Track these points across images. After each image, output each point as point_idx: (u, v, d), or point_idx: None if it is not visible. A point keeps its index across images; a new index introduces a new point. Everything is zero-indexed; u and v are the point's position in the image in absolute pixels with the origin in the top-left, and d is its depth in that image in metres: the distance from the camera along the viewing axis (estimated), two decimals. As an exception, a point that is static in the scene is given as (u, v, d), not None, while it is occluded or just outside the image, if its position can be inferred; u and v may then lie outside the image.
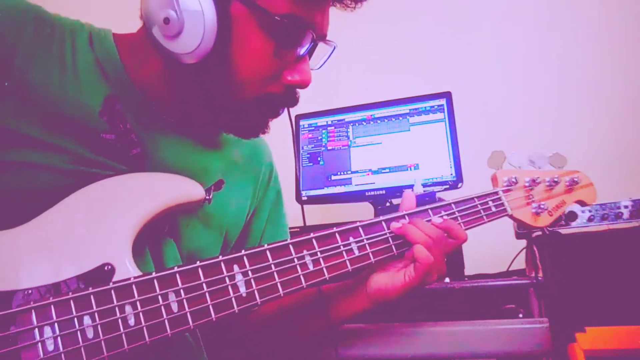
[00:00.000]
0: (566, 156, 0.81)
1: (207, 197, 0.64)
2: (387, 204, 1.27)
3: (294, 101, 0.66)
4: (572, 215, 0.94)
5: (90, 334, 0.47)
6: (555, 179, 0.78)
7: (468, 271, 1.05)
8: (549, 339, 0.74)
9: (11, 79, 0.55)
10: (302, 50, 0.61)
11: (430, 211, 0.70)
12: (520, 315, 0.88)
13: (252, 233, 0.80)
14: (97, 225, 0.55)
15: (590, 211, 0.94)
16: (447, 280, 0.98)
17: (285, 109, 0.67)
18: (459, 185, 1.23)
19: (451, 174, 1.25)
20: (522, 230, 0.95)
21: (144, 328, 0.49)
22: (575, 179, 0.79)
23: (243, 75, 0.60)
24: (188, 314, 0.52)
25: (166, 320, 0.50)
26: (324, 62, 0.69)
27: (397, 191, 1.27)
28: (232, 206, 0.74)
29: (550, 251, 0.85)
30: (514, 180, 0.77)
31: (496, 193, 0.76)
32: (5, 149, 0.54)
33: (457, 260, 1.03)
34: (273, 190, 0.84)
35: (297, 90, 0.65)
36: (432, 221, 0.68)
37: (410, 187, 1.21)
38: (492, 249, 1.25)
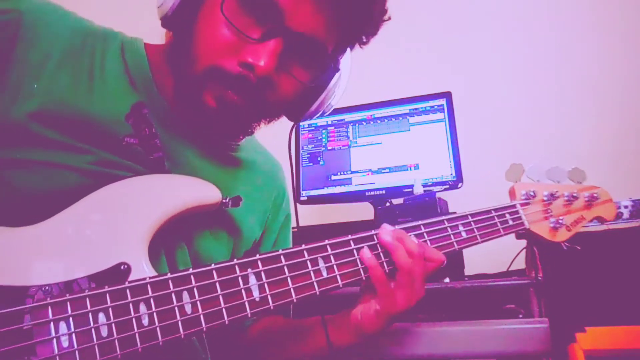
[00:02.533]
0: (568, 157, 0.81)
1: (225, 200, 0.64)
2: (387, 204, 1.27)
3: (245, 88, 0.58)
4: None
5: (104, 332, 0.47)
6: (575, 194, 0.77)
7: (468, 271, 1.05)
8: (549, 339, 0.73)
9: (41, 82, 0.56)
10: (263, 32, 0.57)
11: (446, 221, 0.69)
12: (520, 315, 0.88)
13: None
14: (114, 225, 0.55)
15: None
16: (447, 280, 0.98)
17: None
18: (459, 185, 1.23)
19: (451, 174, 1.25)
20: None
21: (158, 328, 0.49)
22: (595, 195, 0.78)
23: (201, 37, 0.59)
24: (201, 316, 0.52)
25: (179, 322, 0.50)
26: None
27: (397, 191, 1.27)
28: (245, 225, 0.74)
29: (550, 251, 0.85)
30: (532, 193, 0.76)
31: (514, 206, 0.75)
32: (29, 148, 0.55)
33: (457, 260, 1.03)
34: (283, 214, 0.84)
35: (262, 77, 0.58)
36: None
37: (411, 187, 1.21)
38: (492, 249, 1.25)
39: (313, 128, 1.41)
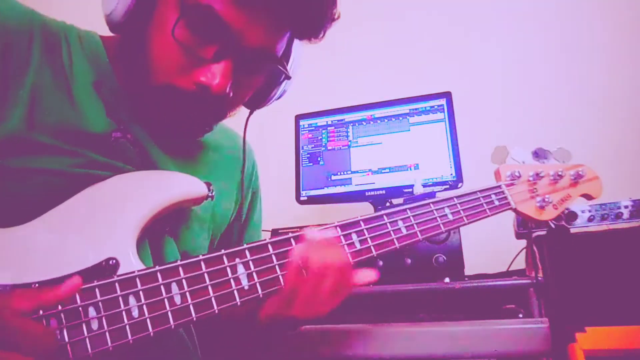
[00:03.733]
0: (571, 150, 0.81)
1: (210, 194, 0.65)
2: (387, 204, 1.27)
3: (207, 106, 0.60)
4: (572, 215, 0.93)
5: (95, 325, 0.48)
6: (560, 173, 0.78)
7: (468, 271, 1.05)
8: (549, 339, 0.74)
9: (25, 88, 0.56)
10: (215, 51, 0.57)
11: (431, 204, 0.70)
12: (520, 315, 0.88)
13: (233, 234, 0.81)
14: (103, 221, 0.56)
15: (590, 211, 0.94)
16: (447, 280, 0.98)
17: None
18: (459, 185, 1.23)
19: (451, 174, 1.24)
20: (523, 230, 0.95)
21: (148, 320, 0.50)
22: (581, 173, 0.79)
23: (154, 56, 0.59)
24: (191, 306, 0.52)
25: (169, 312, 0.51)
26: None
27: (397, 191, 1.27)
28: (219, 207, 0.75)
29: (550, 251, 0.85)
30: (517, 174, 0.77)
31: (499, 187, 0.76)
32: (18, 156, 0.54)
33: (457, 260, 1.03)
34: (250, 191, 0.85)
35: (217, 95, 0.58)
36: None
37: (410, 187, 1.21)
38: (492, 249, 1.25)
39: (313, 128, 1.41)
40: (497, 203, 0.74)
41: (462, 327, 0.78)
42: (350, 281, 0.61)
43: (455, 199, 0.72)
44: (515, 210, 0.76)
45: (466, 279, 1.02)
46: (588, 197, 0.81)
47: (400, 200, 1.17)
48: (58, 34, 0.62)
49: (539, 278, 0.86)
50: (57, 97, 0.58)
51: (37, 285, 0.49)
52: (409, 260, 1.05)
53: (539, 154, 0.81)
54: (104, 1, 0.59)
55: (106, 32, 0.67)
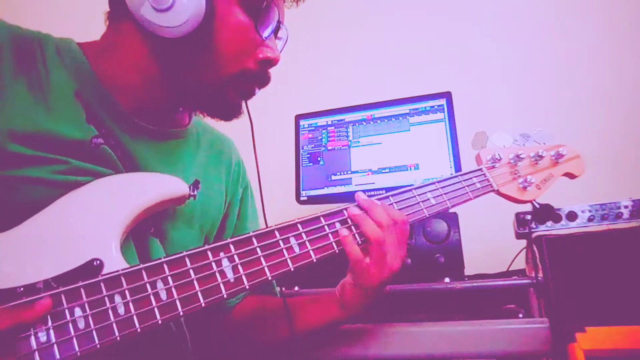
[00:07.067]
0: (554, 133, 0.82)
1: (192, 194, 0.66)
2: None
3: (266, 80, 0.69)
4: (572, 215, 0.94)
5: (81, 324, 0.48)
6: (540, 153, 0.79)
7: (468, 271, 1.05)
8: (549, 339, 0.74)
9: (0, 99, 0.55)
10: (271, 29, 0.65)
11: (414, 191, 0.72)
12: (520, 315, 0.88)
13: (226, 230, 0.82)
14: (85, 224, 0.56)
15: (590, 211, 0.94)
16: (447, 280, 0.98)
17: (257, 92, 0.71)
18: (459, 185, 1.22)
19: (451, 174, 1.24)
20: (523, 230, 0.95)
21: (134, 316, 0.50)
22: (561, 152, 0.80)
23: (225, 49, 0.62)
24: (177, 301, 0.53)
25: (156, 308, 0.51)
26: (282, 49, 0.73)
27: (397, 191, 1.27)
28: (210, 205, 0.76)
29: (550, 251, 0.85)
30: (497, 157, 0.78)
31: (480, 170, 0.77)
32: (2, 167, 0.54)
33: (457, 260, 1.03)
34: (242, 185, 0.86)
35: (268, 70, 0.68)
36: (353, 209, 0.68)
37: (411, 187, 1.21)
38: (492, 249, 1.25)
39: (313, 128, 1.41)
40: (479, 186, 0.75)
41: (462, 327, 0.78)
42: (407, 231, 0.67)
43: (437, 183, 0.73)
44: (497, 192, 0.77)
45: (466, 279, 1.02)
46: (570, 175, 0.81)
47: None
48: (32, 44, 0.61)
49: (539, 278, 0.86)
50: (34, 107, 0.57)
51: (22, 289, 0.49)
52: (409, 260, 1.05)
53: (519, 138, 0.82)
54: (167, 16, 0.58)
55: (83, 38, 0.67)
